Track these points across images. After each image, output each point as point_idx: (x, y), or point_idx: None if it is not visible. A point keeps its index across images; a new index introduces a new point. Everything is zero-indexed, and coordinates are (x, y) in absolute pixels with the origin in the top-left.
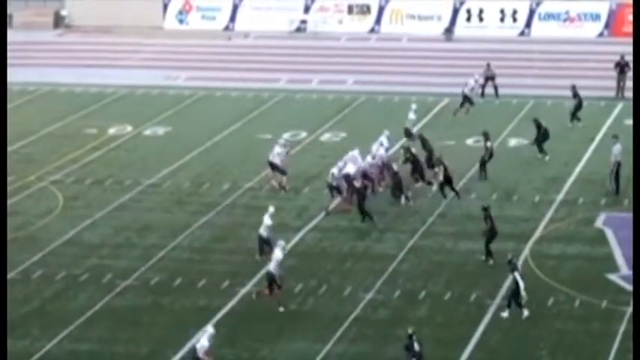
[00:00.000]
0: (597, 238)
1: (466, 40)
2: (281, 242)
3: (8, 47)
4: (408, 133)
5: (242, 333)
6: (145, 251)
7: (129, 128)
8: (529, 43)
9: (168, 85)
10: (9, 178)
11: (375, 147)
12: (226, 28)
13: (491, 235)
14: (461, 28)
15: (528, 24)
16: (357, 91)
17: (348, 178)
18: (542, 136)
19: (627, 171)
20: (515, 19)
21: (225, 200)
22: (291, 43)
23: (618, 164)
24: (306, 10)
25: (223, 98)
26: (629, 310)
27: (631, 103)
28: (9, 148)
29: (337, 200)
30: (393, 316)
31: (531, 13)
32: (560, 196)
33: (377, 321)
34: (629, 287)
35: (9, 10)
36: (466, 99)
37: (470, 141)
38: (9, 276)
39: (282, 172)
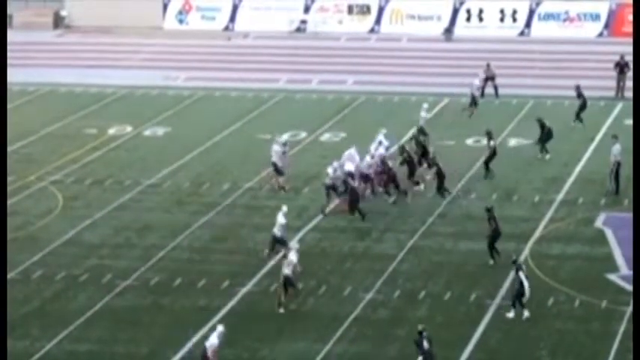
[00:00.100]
0: (597, 238)
1: (466, 40)
2: (295, 245)
3: (8, 47)
4: (422, 132)
5: (242, 333)
6: (144, 251)
7: (129, 128)
8: (529, 43)
9: (168, 86)
10: (9, 178)
11: (373, 147)
12: (226, 28)
13: (494, 235)
14: (461, 28)
15: (528, 24)
16: (356, 91)
17: (349, 176)
18: (545, 135)
19: (627, 171)
20: (515, 19)
21: (225, 200)
22: (291, 43)
23: (618, 164)
24: (306, 10)
25: (223, 98)
26: (629, 310)
27: (631, 103)
28: (9, 148)
29: (335, 201)
30: (393, 316)
31: (531, 13)
32: (560, 196)
33: (377, 321)
34: (629, 287)
35: (9, 11)
36: (474, 98)
37: (470, 141)
38: (9, 276)
39: (279, 173)
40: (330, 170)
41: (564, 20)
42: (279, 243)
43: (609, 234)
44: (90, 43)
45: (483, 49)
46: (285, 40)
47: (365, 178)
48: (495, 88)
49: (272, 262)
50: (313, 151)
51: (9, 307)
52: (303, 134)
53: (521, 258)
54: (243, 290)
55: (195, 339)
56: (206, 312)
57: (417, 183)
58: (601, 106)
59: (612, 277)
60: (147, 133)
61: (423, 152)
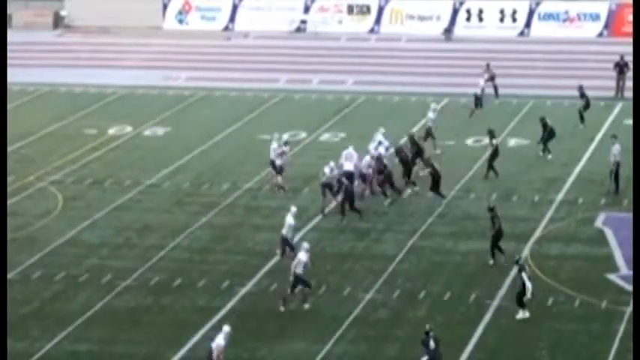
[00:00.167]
0: (597, 238)
1: (466, 40)
2: (305, 245)
3: (8, 47)
4: (429, 133)
5: (242, 333)
6: (144, 251)
7: (128, 128)
8: (529, 43)
9: (168, 86)
10: (9, 179)
11: (373, 146)
12: (226, 28)
13: (498, 235)
14: (460, 28)
15: (528, 24)
16: (356, 91)
17: (349, 176)
18: (547, 135)
19: (627, 171)
20: (514, 19)
21: (225, 200)
22: (291, 44)
23: (617, 164)
24: (306, 10)
25: (223, 98)
26: (629, 310)
27: (630, 103)
28: (9, 149)
29: (333, 201)
30: (393, 316)
31: (531, 13)
32: (560, 196)
33: (376, 321)
34: (629, 287)
35: (9, 10)
36: (478, 99)
37: (470, 141)
38: (8, 276)
39: (277, 171)
40: (326, 170)
41: (564, 20)
42: (286, 244)
43: (609, 234)
44: (90, 43)
45: (483, 49)
46: (285, 40)
47: (364, 177)
48: (495, 88)
49: (272, 262)
50: (313, 152)
51: (8, 307)
52: (303, 134)
53: (521, 258)
54: (243, 290)
55: (195, 339)
56: (206, 312)
57: (414, 184)
58: (601, 106)
59: (612, 277)
60: (147, 133)
61: (417, 151)
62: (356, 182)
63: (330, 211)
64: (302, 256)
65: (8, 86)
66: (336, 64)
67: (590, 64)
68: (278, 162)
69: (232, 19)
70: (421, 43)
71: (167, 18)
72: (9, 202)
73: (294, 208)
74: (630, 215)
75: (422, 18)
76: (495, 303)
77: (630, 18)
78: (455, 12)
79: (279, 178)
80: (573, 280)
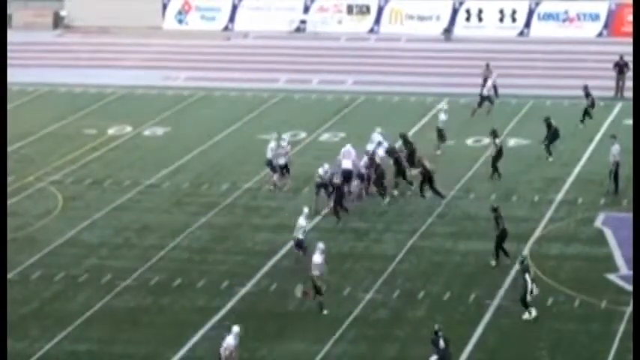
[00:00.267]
0: (597, 238)
1: (465, 40)
2: (320, 245)
3: (8, 47)
4: (440, 134)
5: (242, 333)
6: (144, 251)
7: (128, 128)
8: (528, 43)
9: (168, 86)
10: (8, 179)
11: (372, 146)
12: (225, 28)
13: (502, 235)
14: (460, 28)
15: (527, 24)
16: (356, 91)
17: (347, 174)
18: (552, 135)
19: (627, 171)
20: (514, 19)
21: (224, 200)
22: (291, 44)
23: (617, 164)
24: (306, 10)
25: (223, 98)
26: (629, 310)
27: (630, 103)
28: (9, 149)
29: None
30: (393, 317)
31: (530, 13)
32: (560, 196)
33: (376, 321)
34: (629, 287)
35: (9, 10)
36: (484, 99)
37: (470, 141)
38: (8, 276)
39: (274, 170)
40: (320, 171)
41: (564, 20)
42: (298, 246)
43: (609, 234)
44: (89, 43)
45: (483, 49)
46: (284, 40)
47: (362, 177)
48: (495, 88)
49: (271, 262)
50: (312, 152)
51: (8, 307)
52: (303, 134)
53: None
54: (243, 290)
55: (194, 339)
56: (206, 312)
57: (411, 183)
58: (600, 106)
59: (612, 277)
60: (146, 133)
61: (411, 152)
62: (355, 182)
63: (326, 213)
64: (317, 258)
65: (8, 86)
66: (335, 64)
67: (589, 64)
68: (281, 161)
69: (232, 19)
70: (421, 43)
71: (167, 18)
72: (9, 202)
73: (306, 210)
74: (630, 215)
75: (421, 18)
76: (495, 303)
77: (630, 18)
78: (454, 12)
79: (276, 176)
80: (573, 280)
